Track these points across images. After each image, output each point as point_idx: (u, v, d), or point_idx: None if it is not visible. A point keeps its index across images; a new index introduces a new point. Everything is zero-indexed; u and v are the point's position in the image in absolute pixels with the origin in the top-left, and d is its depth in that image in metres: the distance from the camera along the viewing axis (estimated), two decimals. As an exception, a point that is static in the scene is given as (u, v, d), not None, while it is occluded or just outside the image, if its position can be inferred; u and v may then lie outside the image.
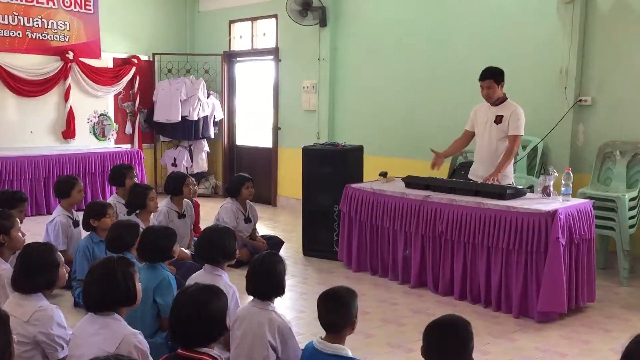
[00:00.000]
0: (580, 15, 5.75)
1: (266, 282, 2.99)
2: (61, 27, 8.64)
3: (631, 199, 5.31)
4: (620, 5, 5.62)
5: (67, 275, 3.09)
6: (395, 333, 4.18)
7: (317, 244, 6.08)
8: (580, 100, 5.86)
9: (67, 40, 8.71)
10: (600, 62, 5.77)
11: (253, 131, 9.56)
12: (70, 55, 8.65)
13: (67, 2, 8.65)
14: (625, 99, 5.64)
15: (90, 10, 8.90)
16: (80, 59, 8.78)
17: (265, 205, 8.79)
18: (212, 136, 9.49)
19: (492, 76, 5.09)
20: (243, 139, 9.70)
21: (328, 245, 6.00)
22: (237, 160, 9.61)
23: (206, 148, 9.57)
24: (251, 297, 3.08)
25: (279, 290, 3.02)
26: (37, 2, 8.38)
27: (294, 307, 4.68)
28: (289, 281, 5.29)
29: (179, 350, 2.33)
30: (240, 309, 3.13)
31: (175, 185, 5.59)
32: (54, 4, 8.52)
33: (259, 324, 2.94)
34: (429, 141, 6.96)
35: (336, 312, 2.65)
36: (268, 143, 9.08)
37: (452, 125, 6.35)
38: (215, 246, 3.45)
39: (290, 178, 8.50)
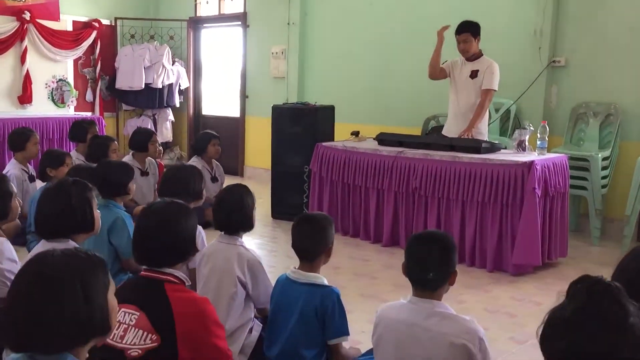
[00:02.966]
0: (555, -25, 5.69)
1: (234, 214, 2.79)
2: (17, -14, 8.21)
3: (604, 159, 5.28)
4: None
5: (19, 208, 2.85)
6: (367, 285, 4.05)
7: (286, 207, 5.90)
8: (554, 62, 5.80)
9: (23, 0, 8.28)
10: (574, 23, 5.72)
11: (220, 100, 9.29)
12: (27, 16, 8.22)
13: (23, -39, 8.22)
14: (599, 60, 5.59)
15: (48, -31, 8.47)
16: (38, 20, 8.36)
17: (232, 176, 8.53)
18: (177, 105, 9.17)
19: (469, 29, 4.97)
20: (209, 108, 9.42)
21: (298, 207, 5.81)
22: (202, 130, 9.30)
23: (171, 117, 9.26)
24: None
25: (248, 223, 2.83)
26: (-8, -41, 7.94)
27: (264, 263, 4.46)
28: (257, 241, 5.15)
29: (142, 272, 2.13)
30: (207, 247, 2.94)
31: (141, 140, 5.32)
32: (9, -38, 8.09)
33: (227, 260, 2.75)
34: (400, 106, 6.87)
35: (312, 237, 2.49)
36: (235, 112, 8.83)
37: (425, 87, 6.24)
38: (181, 183, 3.24)
39: (257, 147, 8.29)
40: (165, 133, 9.22)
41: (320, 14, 7.67)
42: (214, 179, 5.67)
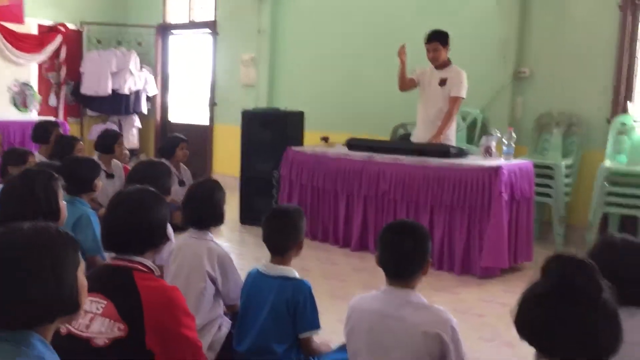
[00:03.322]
0: (519, -13, 5.83)
1: (204, 208, 2.75)
2: (-20, -13, 8.03)
3: (567, 167, 5.40)
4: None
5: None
6: (337, 287, 4.04)
7: (255, 212, 5.81)
8: (519, 72, 5.93)
9: (-14, 1, 8.10)
10: (539, 34, 5.86)
11: (188, 107, 9.21)
12: (-10, 18, 8.05)
13: (-13, -39, 8.05)
14: (562, 70, 5.73)
15: (13, -29, 8.31)
16: (1, 22, 8.18)
17: (199, 183, 8.44)
18: (145, 112, 9.05)
19: (438, 38, 5.05)
20: (177, 115, 9.33)
21: (267, 212, 5.77)
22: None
23: (137, 124, 9.11)
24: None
25: (219, 218, 2.80)
26: (-47, -42, 7.76)
27: (231, 266, 4.44)
28: (225, 244, 5.06)
29: (111, 259, 2.08)
30: (175, 242, 2.88)
31: (107, 142, 5.20)
32: (-28, -38, 7.92)
33: (196, 254, 2.70)
34: (369, 114, 6.91)
35: (282, 230, 2.47)
36: (204, 120, 8.76)
37: (394, 96, 6.29)
38: (149, 177, 3.17)
39: (226, 155, 8.23)
40: (132, 139, 9.06)
41: (291, 22, 7.70)
42: (182, 183, 5.59)
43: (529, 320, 1.41)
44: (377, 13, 6.89)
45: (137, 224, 2.03)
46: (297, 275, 2.47)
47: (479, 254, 4.35)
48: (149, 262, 2.08)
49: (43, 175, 2.39)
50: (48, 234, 1.40)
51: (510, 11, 5.88)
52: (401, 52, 5.11)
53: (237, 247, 5.04)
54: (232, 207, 6.45)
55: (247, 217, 5.89)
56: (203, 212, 2.76)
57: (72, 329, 1.92)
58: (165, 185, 3.25)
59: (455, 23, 6.14)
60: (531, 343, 1.42)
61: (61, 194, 2.45)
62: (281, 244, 2.47)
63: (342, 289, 3.99)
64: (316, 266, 4.52)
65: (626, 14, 5.35)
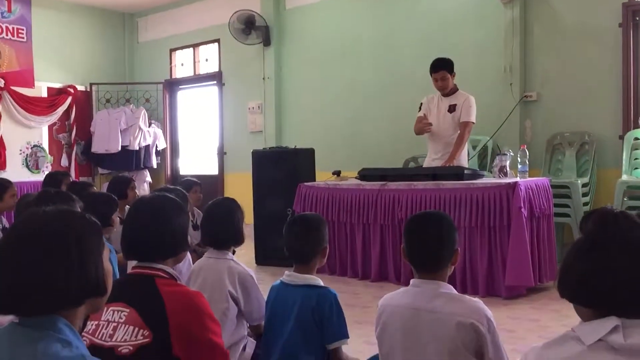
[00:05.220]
0: (519, 15, 5.92)
1: (223, 227, 2.72)
2: (-8, 54, 8.27)
3: (583, 185, 5.34)
4: (556, 4, 5.84)
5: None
6: (360, 314, 3.93)
7: (270, 251, 5.78)
8: (526, 96, 5.96)
9: (-3, 68, 8.33)
10: (542, 58, 5.92)
11: (198, 159, 9.28)
12: (2, 83, 8.24)
13: (-2, 30, 8.32)
14: (568, 91, 5.77)
15: (23, 38, 8.57)
16: (12, 87, 8.37)
17: (212, 233, 8.39)
18: (155, 166, 9.12)
19: (445, 66, 5.10)
20: (187, 167, 9.40)
21: (282, 250, 5.69)
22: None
23: (148, 178, 9.17)
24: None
25: (238, 237, 2.75)
26: (-33, 28, 8.04)
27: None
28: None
29: (132, 268, 2.03)
30: (195, 264, 2.83)
31: (119, 187, 5.20)
32: (-16, 31, 8.19)
33: (217, 274, 2.65)
34: (379, 150, 6.93)
35: (305, 237, 2.42)
36: (214, 170, 8.81)
37: (402, 132, 6.33)
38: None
39: (237, 202, 8.21)
40: (143, 194, 9.08)
41: (295, 67, 7.83)
42: (195, 227, 5.54)
43: (575, 275, 1.34)
44: (380, 50, 7.01)
45: (158, 230, 1.99)
46: (321, 283, 2.40)
47: (503, 275, 4.25)
48: (170, 269, 2.03)
49: (60, 196, 2.37)
50: (71, 216, 1.37)
51: (512, 38, 5.95)
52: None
53: (255, 284, 4.94)
54: (247, 250, 6.39)
55: (264, 257, 5.82)
56: (222, 231, 2.72)
57: (95, 340, 1.86)
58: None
59: (459, 55, 6.22)
60: (577, 300, 1.35)
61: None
62: (304, 251, 2.41)
63: (366, 315, 3.88)
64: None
65: (627, 31, 5.41)
